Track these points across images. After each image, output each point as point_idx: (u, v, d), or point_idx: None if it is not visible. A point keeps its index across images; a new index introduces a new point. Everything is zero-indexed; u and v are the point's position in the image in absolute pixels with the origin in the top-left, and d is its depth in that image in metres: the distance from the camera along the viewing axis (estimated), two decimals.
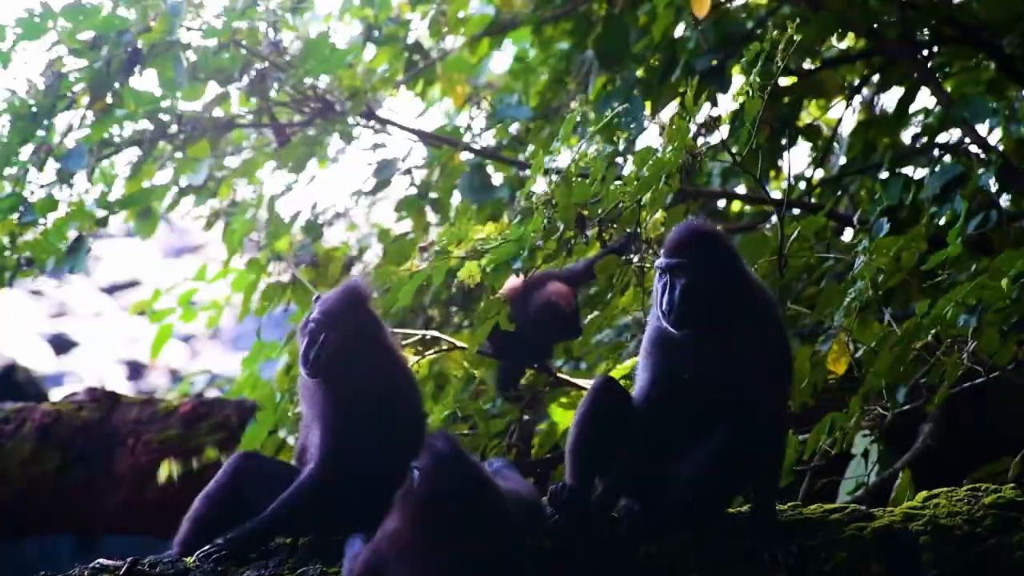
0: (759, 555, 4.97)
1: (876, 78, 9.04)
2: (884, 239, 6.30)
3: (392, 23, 8.02)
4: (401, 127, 7.76)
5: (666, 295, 4.98)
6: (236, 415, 8.22)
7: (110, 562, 5.18)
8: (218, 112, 7.23)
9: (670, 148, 5.55)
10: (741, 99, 5.59)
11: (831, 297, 6.26)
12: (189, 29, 6.67)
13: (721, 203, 9.14)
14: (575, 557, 5.03)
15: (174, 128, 7.20)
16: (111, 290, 31.54)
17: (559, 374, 6.61)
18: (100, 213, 6.79)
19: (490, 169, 7.81)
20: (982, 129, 7.68)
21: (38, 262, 6.57)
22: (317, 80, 7.18)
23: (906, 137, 8.97)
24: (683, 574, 4.98)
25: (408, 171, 8.10)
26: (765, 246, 6.19)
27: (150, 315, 8.54)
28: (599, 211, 5.71)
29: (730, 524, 5.09)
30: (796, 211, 7.97)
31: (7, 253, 6.56)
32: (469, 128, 8.11)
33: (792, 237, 6.16)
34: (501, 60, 8.95)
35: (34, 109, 6.50)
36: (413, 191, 8.15)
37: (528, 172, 5.91)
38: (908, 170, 8.12)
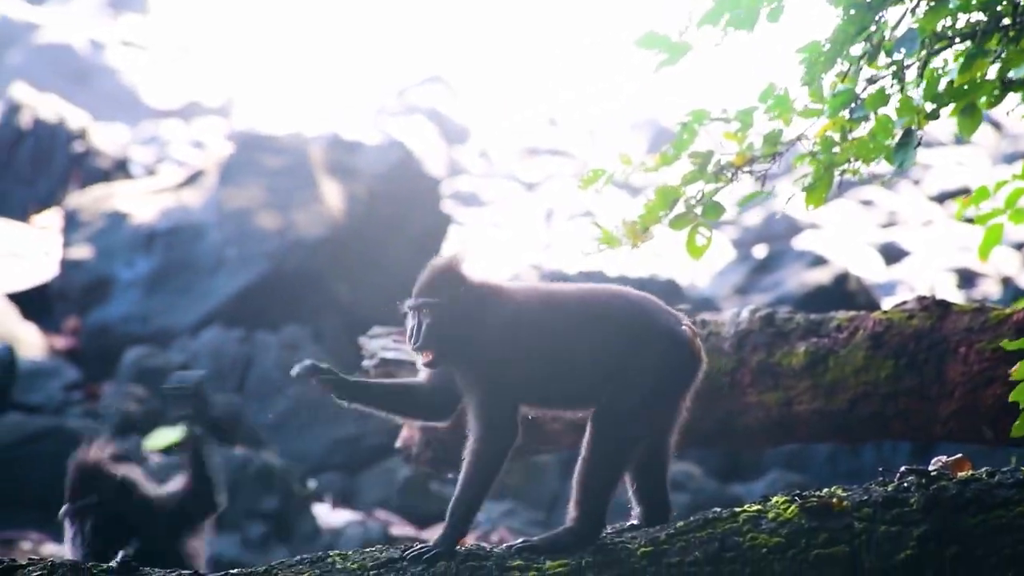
0: None
1: None
2: None
3: None
4: None
5: None
6: None
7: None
8: None
9: None
10: None
11: None
12: None
13: None
14: None
15: (1007, 20, 6.88)
16: (941, 198, 31.46)
17: None
18: (928, 107, 6.59)
19: None
20: None
21: (864, 159, 6.51)
22: None
23: None
24: None
25: None
26: None
27: (976, 218, 8.41)
28: None
29: None
30: None
31: (835, 150, 6.55)
32: None
33: None
34: None
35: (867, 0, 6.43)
36: None
37: None
38: None
